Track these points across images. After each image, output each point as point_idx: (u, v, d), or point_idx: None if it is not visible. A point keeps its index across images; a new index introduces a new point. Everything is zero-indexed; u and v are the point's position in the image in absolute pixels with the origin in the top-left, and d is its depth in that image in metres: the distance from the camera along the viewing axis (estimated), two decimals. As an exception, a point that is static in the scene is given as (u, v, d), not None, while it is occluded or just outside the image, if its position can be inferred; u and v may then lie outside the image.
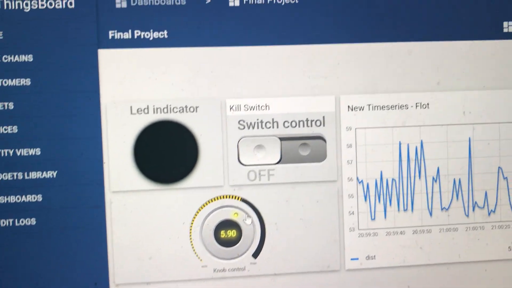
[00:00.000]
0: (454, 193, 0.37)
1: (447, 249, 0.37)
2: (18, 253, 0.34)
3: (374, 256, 0.36)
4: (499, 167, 0.37)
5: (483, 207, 0.37)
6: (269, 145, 0.36)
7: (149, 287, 0.35)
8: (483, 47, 0.36)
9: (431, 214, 0.36)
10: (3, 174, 0.34)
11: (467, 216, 0.37)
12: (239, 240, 0.36)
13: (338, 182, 0.36)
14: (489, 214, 0.37)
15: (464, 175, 0.37)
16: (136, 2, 0.34)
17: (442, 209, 0.36)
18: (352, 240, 0.36)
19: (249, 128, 0.35)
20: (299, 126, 0.36)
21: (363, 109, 0.36)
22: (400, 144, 0.36)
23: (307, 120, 0.36)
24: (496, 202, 0.37)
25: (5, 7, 0.34)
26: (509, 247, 0.37)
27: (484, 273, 0.37)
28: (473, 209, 0.37)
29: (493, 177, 0.37)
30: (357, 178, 0.36)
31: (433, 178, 0.36)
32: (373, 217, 0.36)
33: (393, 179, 0.36)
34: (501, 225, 0.37)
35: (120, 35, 0.35)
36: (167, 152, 0.35)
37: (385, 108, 0.36)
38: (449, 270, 0.37)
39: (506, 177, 0.37)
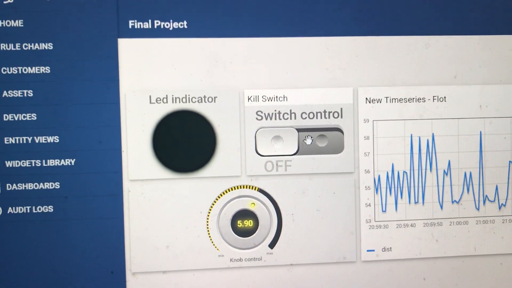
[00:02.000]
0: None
1: (462, 242, 0.37)
2: (35, 240, 0.34)
3: (390, 248, 0.36)
4: (509, 161, 0.37)
5: (494, 200, 0.37)
6: (286, 136, 0.36)
7: (166, 276, 0.35)
8: (500, 41, 0.37)
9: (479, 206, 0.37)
10: (22, 161, 0.34)
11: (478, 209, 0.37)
12: (256, 230, 0.36)
13: (355, 174, 0.36)
14: (499, 208, 0.37)
15: (475, 169, 0.37)
16: (156, -8, 0.35)
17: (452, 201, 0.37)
18: (368, 232, 0.36)
19: (266, 119, 0.36)
20: (316, 118, 0.36)
21: (380, 102, 0.36)
22: (416, 137, 0.36)
23: (324, 111, 0.36)
24: (507, 196, 0.37)
25: (27, -5, 0.34)
26: (524, 241, 0.37)
27: (499, 266, 0.37)
28: (484, 203, 0.37)
29: (504, 171, 0.37)
30: (374, 170, 0.36)
31: (445, 171, 0.36)
32: (388, 210, 0.36)
33: (408, 171, 0.36)
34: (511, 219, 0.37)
35: (140, 25, 0.35)
36: (185, 141, 0.35)
37: (403, 100, 0.36)
38: (465, 263, 0.37)
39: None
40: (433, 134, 0.36)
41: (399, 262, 0.37)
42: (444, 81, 0.36)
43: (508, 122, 0.37)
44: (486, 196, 0.37)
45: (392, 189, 0.36)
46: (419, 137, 0.36)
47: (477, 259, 0.37)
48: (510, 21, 0.37)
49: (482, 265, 0.37)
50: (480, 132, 0.36)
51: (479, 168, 0.37)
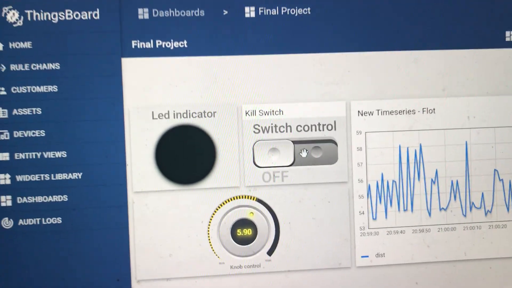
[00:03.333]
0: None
1: (453, 247, 0.38)
2: (44, 250, 0.36)
3: (384, 253, 0.38)
4: (495, 169, 0.39)
5: (480, 207, 0.39)
6: (283, 148, 0.37)
7: (169, 283, 0.37)
8: (486, 55, 0.38)
9: (466, 212, 0.38)
10: (31, 175, 0.36)
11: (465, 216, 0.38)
12: (255, 238, 0.37)
13: (349, 183, 0.38)
14: (485, 214, 0.39)
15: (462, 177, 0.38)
16: (157, 14, 0.36)
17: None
18: (362, 239, 0.38)
19: (264, 132, 0.37)
20: (311, 130, 0.37)
21: (372, 114, 0.38)
22: (405, 148, 0.38)
23: (319, 124, 0.37)
24: (493, 203, 0.39)
25: (35, 18, 0.36)
26: (512, 245, 0.39)
27: (489, 270, 0.39)
28: (471, 210, 0.38)
29: (490, 179, 0.39)
30: (367, 180, 0.38)
31: (432, 180, 0.38)
32: (381, 217, 0.38)
33: (398, 180, 0.38)
34: (498, 224, 0.39)
35: (142, 45, 0.36)
36: (186, 154, 0.37)
37: (394, 113, 0.38)
38: (456, 267, 0.39)
39: (502, 179, 0.39)
40: (420, 144, 0.38)
41: (392, 267, 0.38)
42: (433, 94, 0.38)
43: (494, 132, 0.38)
44: (473, 203, 0.38)
45: (384, 198, 0.38)
46: (408, 148, 0.38)
47: (468, 264, 0.39)
48: (495, 35, 0.38)
49: (472, 269, 0.39)
50: (466, 142, 0.38)
51: (465, 176, 0.38)
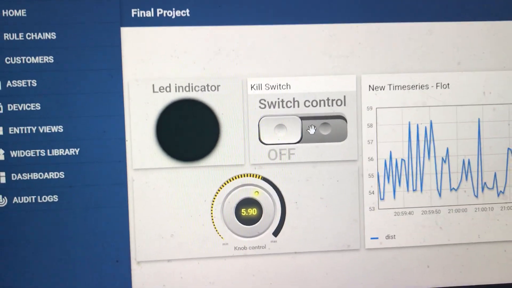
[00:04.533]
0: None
1: (466, 229, 0.37)
2: (39, 230, 0.35)
3: (394, 235, 0.36)
4: (508, 148, 0.37)
5: (492, 188, 0.37)
6: (290, 124, 0.36)
7: (170, 264, 0.36)
8: (504, 28, 0.36)
9: (478, 193, 0.37)
10: (26, 151, 0.34)
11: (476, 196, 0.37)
12: (260, 218, 0.36)
13: (359, 162, 0.36)
14: (498, 195, 0.37)
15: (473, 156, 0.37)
16: (159, -19, 0.35)
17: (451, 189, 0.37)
18: (372, 220, 0.36)
19: (270, 107, 0.36)
20: (320, 106, 0.36)
21: (384, 89, 0.36)
22: (417, 124, 0.36)
23: (328, 99, 0.36)
24: (505, 183, 0.37)
25: (29, -15, 0.34)
26: (528, 228, 0.37)
27: (503, 253, 0.37)
28: (483, 190, 0.37)
29: (503, 158, 0.37)
30: (377, 158, 0.36)
31: (444, 159, 0.36)
32: (392, 197, 0.36)
33: (407, 159, 0.36)
34: (511, 206, 0.37)
35: (142, 13, 0.35)
36: (189, 130, 0.35)
37: (406, 88, 0.36)
38: (469, 250, 0.37)
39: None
40: (431, 121, 0.36)
41: (403, 249, 0.37)
42: (448, 68, 0.36)
43: (509, 109, 0.37)
44: (485, 183, 0.37)
45: (398, 177, 0.36)
46: (418, 125, 0.36)
47: (481, 246, 0.37)
48: (514, 7, 0.37)
49: (486, 252, 0.37)
50: (479, 119, 0.36)
51: (478, 155, 0.37)
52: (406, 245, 0.37)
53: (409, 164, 0.36)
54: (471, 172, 0.37)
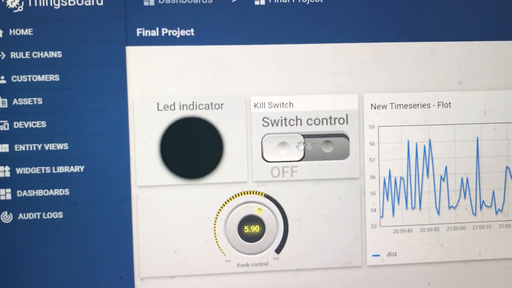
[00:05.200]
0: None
1: (467, 246, 0.37)
2: (45, 245, 0.35)
3: (396, 252, 0.37)
4: (506, 167, 0.37)
5: (491, 206, 0.37)
6: (292, 142, 0.36)
7: (174, 280, 0.36)
8: (505, 47, 0.37)
9: (476, 211, 0.37)
10: (32, 168, 0.35)
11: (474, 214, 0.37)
12: (263, 235, 0.36)
13: (361, 179, 0.36)
14: (496, 213, 0.37)
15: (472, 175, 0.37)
16: (163, 0, 0.35)
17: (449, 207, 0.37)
18: (373, 237, 0.37)
19: (273, 125, 0.36)
20: (322, 124, 0.36)
21: (386, 108, 0.36)
22: (421, 142, 0.37)
23: (330, 117, 0.36)
24: (504, 201, 0.37)
25: (36, 4, 0.34)
26: (528, 245, 0.38)
27: (504, 270, 0.37)
28: (481, 208, 0.37)
29: (501, 176, 0.37)
30: (379, 176, 0.36)
31: (442, 177, 0.37)
32: (394, 215, 0.37)
33: (407, 177, 0.37)
34: (509, 224, 0.37)
35: (147, 33, 0.35)
36: (192, 148, 0.35)
37: (408, 106, 0.36)
38: (469, 267, 0.37)
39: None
40: (430, 140, 0.36)
41: (404, 266, 0.37)
42: (449, 87, 0.37)
43: (507, 128, 0.37)
44: (483, 201, 0.37)
45: (397, 195, 0.36)
46: (416, 143, 0.36)
47: (482, 264, 0.37)
48: (515, 27, 0.37)
49: (487, 270, 0.37)
50: (477, 138, 0.37)
51: (476, 173, 0.37)
52: (407, 262, 0.37)
53: (408, 182, 0.37)
54: (469, 190, 0.37)
